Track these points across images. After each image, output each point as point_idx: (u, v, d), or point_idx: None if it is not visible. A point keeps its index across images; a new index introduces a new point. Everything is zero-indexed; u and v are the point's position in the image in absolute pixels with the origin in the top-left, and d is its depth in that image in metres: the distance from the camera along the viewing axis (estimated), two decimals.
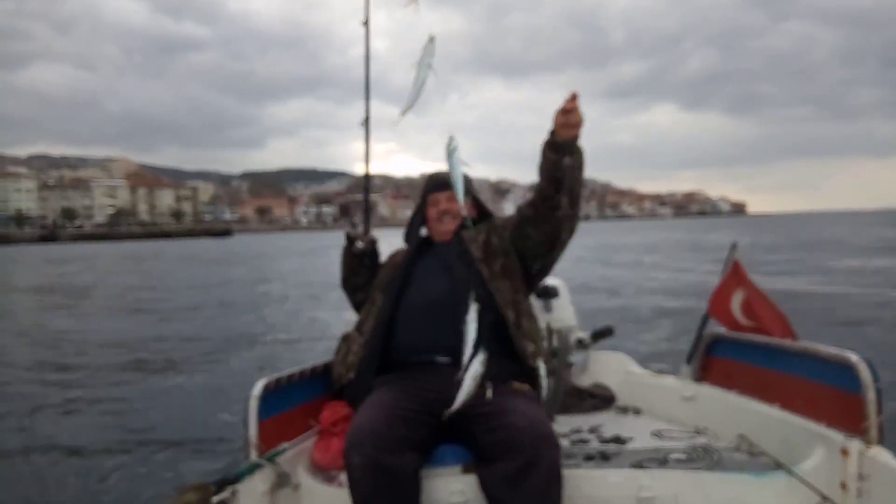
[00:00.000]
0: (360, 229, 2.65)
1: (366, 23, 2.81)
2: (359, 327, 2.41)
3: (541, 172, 2.13)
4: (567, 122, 2.03)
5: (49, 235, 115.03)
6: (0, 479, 4.35)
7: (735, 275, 2.77)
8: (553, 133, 2.07)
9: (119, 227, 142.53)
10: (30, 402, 6.28)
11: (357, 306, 2.61)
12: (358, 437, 1.83)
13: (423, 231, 2.56)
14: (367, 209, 2.82)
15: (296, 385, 2.29)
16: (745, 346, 2.63)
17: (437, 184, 2.51)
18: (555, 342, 2.95)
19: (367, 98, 2.79)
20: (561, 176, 2.09)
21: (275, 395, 2.14)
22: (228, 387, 6.52)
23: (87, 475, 4.30)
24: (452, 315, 2.11)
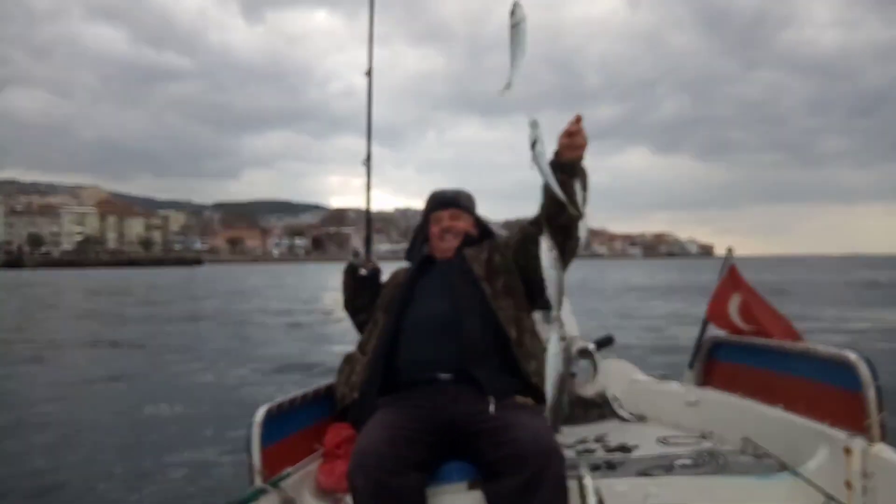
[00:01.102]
0: (362, 258, 2.66)
1: (369, 73, 2.88)
2: (362, 348, 2.40)
3: (545, 192, 2.13)
4: (571, 143, 2.06)
5: (14, 261, 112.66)
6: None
7: (731, 279, 2.80)
8: (557, 154, 2.10)
9: (86, 255, 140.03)
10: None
11: (360, 327, 2.60)
12: (361, 460, 1.82)
13: (426, 249, 2.57)
14: (369, 238, 2.83)
15: (298, 409, 2.27)
16: (745, 348, 2.65)
17: (440, 202, 2.55)
18: (528, 322, 2.93)
19: (369, 139, 2.88)
20: (568, 196, 2.09)
21: (277, 420, 2.12)
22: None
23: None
24: (455, 332, 2.15)
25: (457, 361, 2.10)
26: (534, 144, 1.90)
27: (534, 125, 1.91)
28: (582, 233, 2.21)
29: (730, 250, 2.88)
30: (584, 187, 2.13)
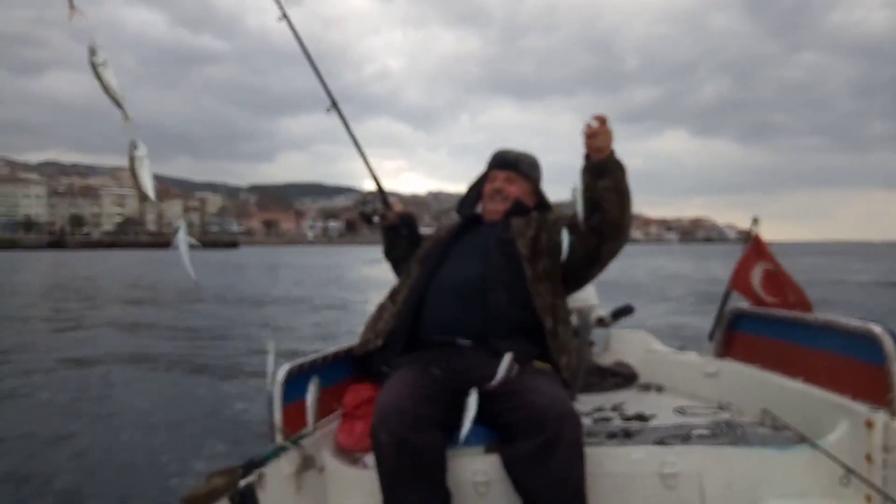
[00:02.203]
0: (373, 205, 2.64)
1: (284, 16, 2.77)
2: (392, 296, 2.41)
3: (582, 194, 2.13)
4: (591, 145, 2.07)
5: (57, 242, 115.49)
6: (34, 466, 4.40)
7: (756, 248, 2.78)
8: (587, 156, 2.10)
9: (126, 236, 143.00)
10: (60, 392, 6.42)
11: (399, 273, 2.61)
12: (384, 415, 1.83)
13: (478, 208, 2.55)
14: (381, 188, 2.75)
15: (318, 369, 2.30)
16: (767, 320, 2.62)
17: (500, 162, 2.51)
18: (575, 321, 2.92)
19: (323, 82, 2.77)
20: (598, 198, 2.10)
21: (298, 380, 2.14)
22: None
23: (111, 465, 4.36)
24: (479, 301, 2.14)
25: (478, 329, 2.10)
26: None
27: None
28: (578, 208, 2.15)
29: (755, 220, 2.83)
30: (617, 189, 2.09)
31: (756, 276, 2.74)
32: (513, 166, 2.50)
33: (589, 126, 2.05)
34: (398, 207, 2.67)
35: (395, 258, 2.64)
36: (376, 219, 2.61)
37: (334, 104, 2.74)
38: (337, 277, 28.10)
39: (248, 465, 1.83)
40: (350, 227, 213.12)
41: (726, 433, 2.09)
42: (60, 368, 7.77)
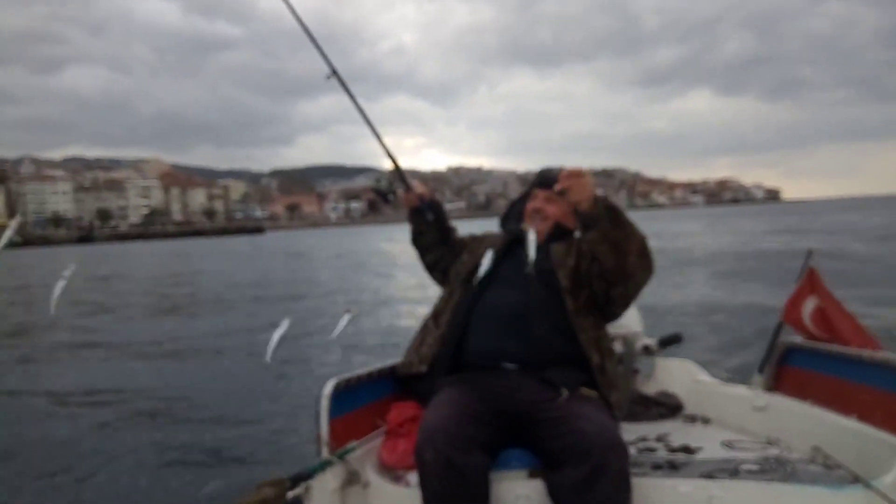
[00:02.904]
0: (387, 183, 2.59)
1: None
2: (435, 317, 2.39)
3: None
4: (569, 200, 2.06)
5: (86, 236, 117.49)
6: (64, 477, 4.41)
7: (809, 282, 2.73)
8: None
9: (153, 227, 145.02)
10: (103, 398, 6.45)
11: (428, 267, 2.58)
12: (430, 435, 1.84)
13: (522, 225, 2.45)
14: (395, 161, 2.60)
15: (364, 385, 2.33)
16: (820, 355, 2.55)
17: (541, 180, 2.46)
18: (619, 348, 2.88)
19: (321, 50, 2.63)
20: (591, 250, 2.11)
21: (344, 395, 2.18)
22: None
23: (161, 473, 4.40)
24: (523, 328, 2.13)
25: (523, 356, 2.09)
26: None
27: None
28: None
29: (809, 252, 2.77)
30: (605, 240, 2.06)
31: (807, 309, 2.69)
32: (552, 184, 2.38)
33: (562, 184, 2.03)
34: (419, 189, 2.57)
35: (422, 246, 2.58)
36: (391, 196, 2.55)
37: (334, 72, 2.60)
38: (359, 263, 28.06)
39: (296, 477, 1.87)
40: (372, 207, 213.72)
41: (776, 469, 2.03)
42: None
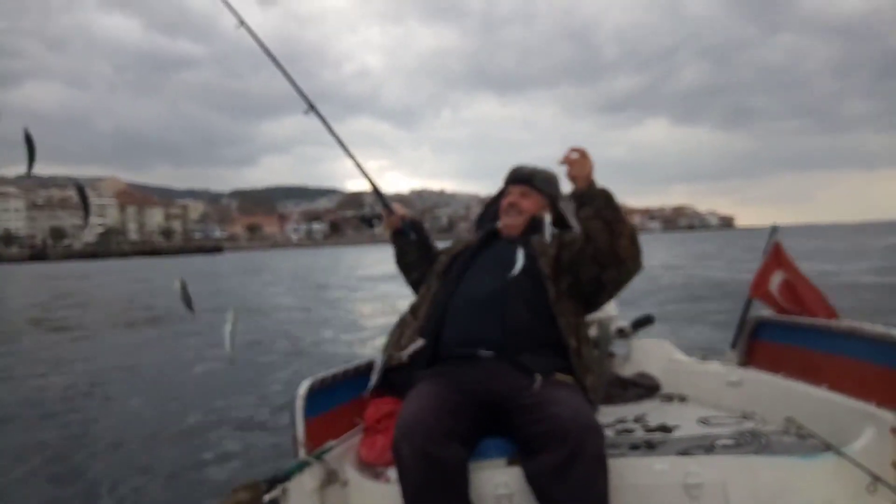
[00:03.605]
0: (372, 211, 2.68)
1: (242, 23, 2.73)
2: (414, 311, 2.42)
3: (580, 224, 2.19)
4: (569, 173, 2.14)
5: (38, 254, 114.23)
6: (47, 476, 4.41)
7: (776, 257, 2.80)
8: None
9: (109, 246, 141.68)
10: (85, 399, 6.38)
11: (414, 285, 2.62)
12: (407, 429, 1.84)
13: (498, 223, 2.56)
14: (378, 192, 2.72)
15: (340, 384, 2.31)
16: (789, 328, 2.62)
17: (515, 177, 2.54)
18: (594, 332, 2.92)
19: (296, 86, 2.74)
20: (585, 228, 2.15)
21: (320, 394, 2.17)
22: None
23: (135, 476, 4.36)
24: (499, 313, 2.15)
25: (499, 342, 2.10)
26: None
27: None
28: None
29: (774, 228, 2.86)
30: (599, 217, 2.11)
31: (775, 283, 2.76)
32: (527, 180, 2.51)
33: (567, 156, 2.11)
34: (400, 211, 2.65)
35: (407, 265, 2.64)
36: (376, 221, 2.61)
37: (311, 106, 2.71)
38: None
39: (273, 480, 1.85)
40: (334, 229, 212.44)
41: (750, 442, 2.07)
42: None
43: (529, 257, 2.28)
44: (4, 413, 6.37)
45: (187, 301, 1.63)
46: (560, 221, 2.53)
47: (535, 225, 2.45)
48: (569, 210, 2.37)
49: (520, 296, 2.20)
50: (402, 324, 2.41)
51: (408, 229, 2.60)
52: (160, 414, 6.05)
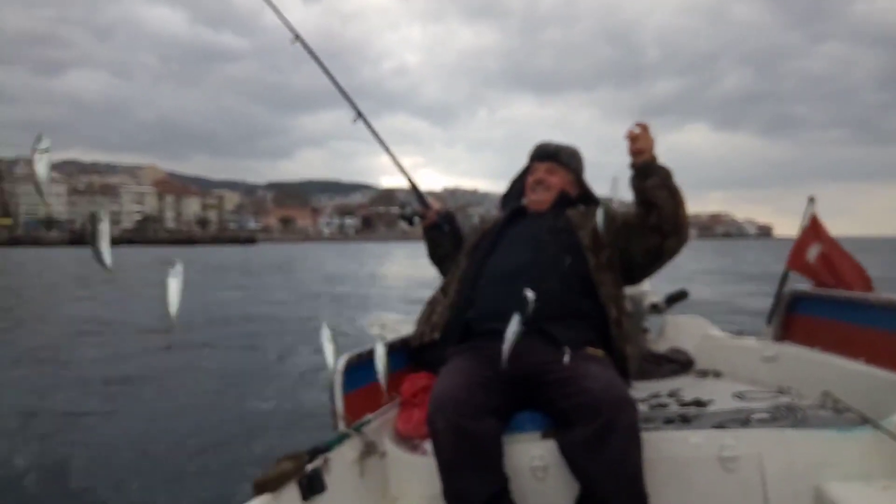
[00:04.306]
0: (412, 208, 2.71)
1: (297, 37, 2.83)
2: (444, 289, 2.46)
3: (634, 196, 2.23)
4: (633, 148, 2.16)
5: (77, 239, 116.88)
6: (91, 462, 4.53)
7: (813, 228, 2.77)
8: (632, 164, 2.18)
9: (146, 233, 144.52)
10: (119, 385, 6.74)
11: (445, 273, 2.64)
12: (440, 404, 1.88)
13: (524, 201, 2.58)
14: (416, 189, 2.83)
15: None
16: (826, 301, 2.59)
17: (540, 153, 2.56)
18: (629, 307, 2.90)
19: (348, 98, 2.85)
20: (648, 198, 2.17)
21: (357, 370, 2.20)
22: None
23: (182, 453, 4.53)
24: (531, 285, 2.13)
25: (531, 313, 2.10)
26: None
27: None
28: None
29: (811, 199, 2.80)
30: (665, 186, 2.16)
31: (812, 255, 2.73)
32: (553, 157, 2.53)
33: (631, 131, 2.15)
34: (436, 205, 2.71)
35: (441, 257, 2.67)
36: (417, 220, 2.67)
37: (360, 115, 2.80)
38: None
39: (314, 450, 1.89)
40: (366, 224, 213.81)
41: (786, 416, 2.05)
42: None
43: (565, 230, 2.31)
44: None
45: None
46: (585, 197, 2.55)
47: (562, 199, 2.47)
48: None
49: (553, 267, 2.21)
50: (433, 302, 2.46)
51: (442, 222, 2.65)
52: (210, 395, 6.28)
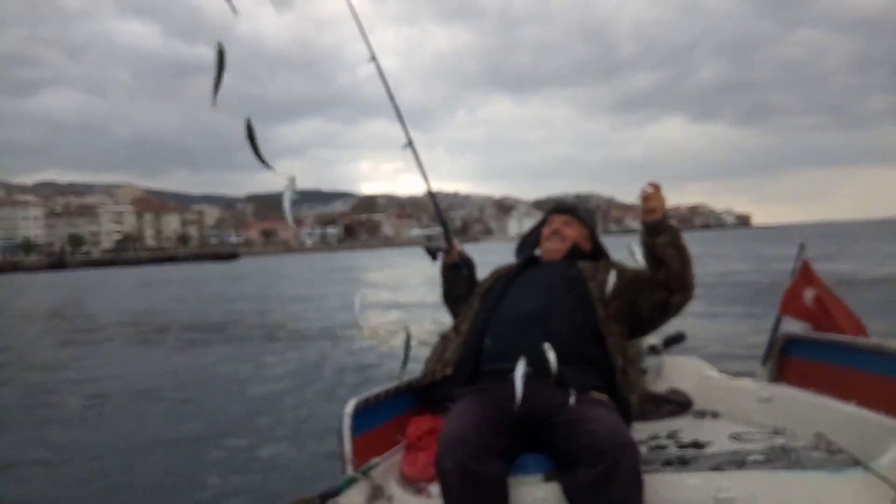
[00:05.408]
0: (437, 243, 2.78)
1: (373, 58, 2.90)
2: (456, 328, 2.53)
3: (644, 252, 2.34)
4: (646, 206, 2.27)
5: (57, 262, 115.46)
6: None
7: (805, 274, 2.87)
8: (643, 222, 2.29)
9: (126, 253, 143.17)
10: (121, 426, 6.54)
11: (456, 315, 2.70)
12: (449, 445, 1.91)
13: (537, 251, 2.71)
14: (445, 223, 2.90)
15: (383, 402, 2.39)
16: (819, 345, 2.67)
17: (558, 207, 2.73)
18: (630, 351, 2.95)
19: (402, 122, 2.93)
20: (658, 255, 2.28)
21: (364, 413, 2.25)
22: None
23: (189, 489, 4.48)
24: (542, 327, 2.23)
25: (540, 356, 2.13)
26: None
27: None
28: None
29: (802, 246, 2.92)
30: (674, 244, 2.27)
31: (807, 299, 2.83)
32: (570, 211, 2.70)
33: (644, 191, 2.26)
34: (458, 247, 2.78)
35: (455, 299, 2.75)
36: (439, 255, 2.74)
37: (410, 142, 2.89)
38: None
39: (325, 494, 1.93)
40: (348, 233, 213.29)
41: (781, 458, 2.10)
42: None
43: (577, 279, 2.42)
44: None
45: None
46: (597, 252, 2.69)
47: (575, 252, 2.61)
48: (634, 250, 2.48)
49: (564, 313, 2.30)
50: (444, 339, 2.53)
51: (461, 265, 2.73)
52: (215, 424, 6.23)
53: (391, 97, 2.92)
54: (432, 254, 2.76)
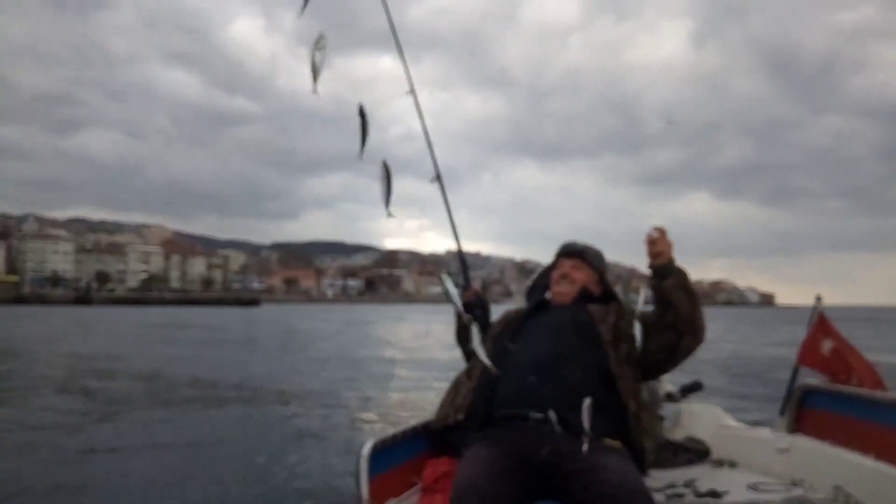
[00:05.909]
0: (457, 280, 2.80)
1: (411, 90, 3.01)
2: (468, 372, 2.56)
3: (652, 296, 2.35)
4: (652, 251, 2.31)
5: (83, 298, 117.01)
6: None
7: (821, 326, 2.87)
8: (651, 265, 2.32)
9: (150, 293, 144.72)
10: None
11: (469, 358, 2.73)
12: (462, 492, 1.92)
13: (547, 295, 2.72)
14: (464, 262, 2.98)
15: (399, 444, 2.41)
16: (836, 396, 2.67)
17: (567, 251, 2.75)
18: (645, 396, 2.93)
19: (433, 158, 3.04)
20: (666, 297, 2.31)
21: (381, 454, 2.25)
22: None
23: None
24: (553, 373, 2.26)
25: (551, 402, 2.17)
26: None
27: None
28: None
29: (818, 298, 2.93)
30: (682, 287, 2.28)
31: (826, 349, 2.83)
32: (579, 255, 2.71)
33: (650, 235, 2.29)
34: (475, 288, 2.84)
35: (468, 338, 2.74)
36: (458, 302, 2.76)
37: (438, 177, 2.96)
38: None
39: None
40: (369, 286, 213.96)
41: None
42: None
43: (587, 323, 2.43)
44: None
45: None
46: (607, 295, 2.69)
47: (584, 295, 2.62)
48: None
49: (576, 358, 2.31)
50: (456, 384, 2.55)
51: (476, 305, 2.77)
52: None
53: (424, 127, 3.01)
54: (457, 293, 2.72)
